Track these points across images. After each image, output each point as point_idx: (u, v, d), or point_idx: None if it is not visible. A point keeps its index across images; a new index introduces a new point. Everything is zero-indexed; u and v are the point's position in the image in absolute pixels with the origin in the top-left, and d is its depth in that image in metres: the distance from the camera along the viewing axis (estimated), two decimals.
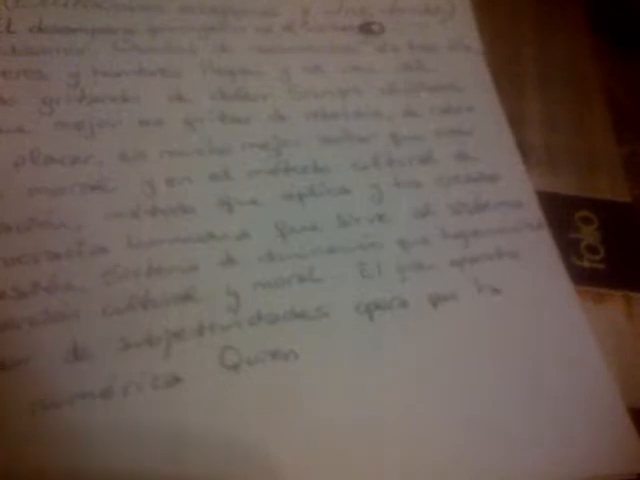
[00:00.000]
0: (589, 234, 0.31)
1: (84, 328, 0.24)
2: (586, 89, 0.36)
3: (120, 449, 0.23)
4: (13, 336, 0.23)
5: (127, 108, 0.29)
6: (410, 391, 0.25)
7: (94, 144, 0.28)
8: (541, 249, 0.30)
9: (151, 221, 0.26)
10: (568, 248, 0.30)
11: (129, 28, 0.31)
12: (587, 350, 0.27)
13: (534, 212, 0.30)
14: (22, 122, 0.27)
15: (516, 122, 0.33)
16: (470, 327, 0.27)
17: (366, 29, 0.34)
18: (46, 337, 0.23)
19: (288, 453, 0.23)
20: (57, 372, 0.23)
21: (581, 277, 0.30)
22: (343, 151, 0.30)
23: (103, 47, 0.30)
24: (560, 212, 0.31)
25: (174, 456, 0.23)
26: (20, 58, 0.29)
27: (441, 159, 0.31)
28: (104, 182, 0.27)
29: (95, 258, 0.25)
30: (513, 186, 0.31)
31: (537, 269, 0.29)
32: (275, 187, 0.29)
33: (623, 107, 0.36)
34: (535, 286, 0.28)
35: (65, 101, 0.28)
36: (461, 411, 0.25)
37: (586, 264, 0.30)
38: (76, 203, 0.26)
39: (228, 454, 0.23)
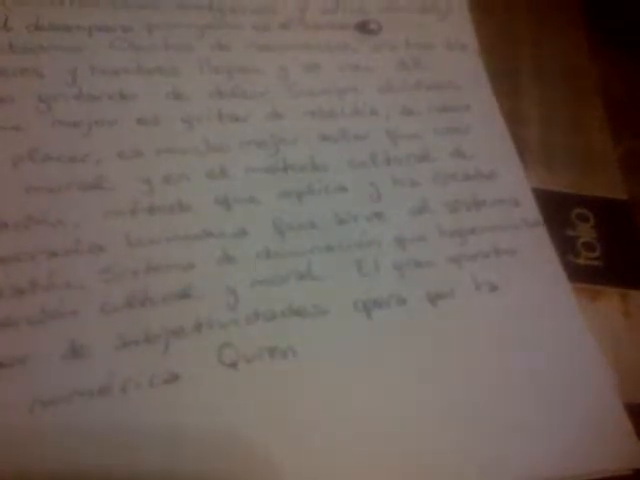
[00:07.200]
0: (585, 231, 0.31)
1: (82, 326, 0.24)
2: (583, 87, 0.36)
3: (118, 447, 0.23)
4: (11, 334, 0.23)
5: (125, 106, 0.29)
6: (409, 388, 0.25)
7: (92, 142, 0.27)
8: (538, 246, 0.30)
9: (149, 219, 0.26)
10: (564, 245, 0.30)
11: (126, 25, 0.31)
12: (584, 347, 0.28)
13: (531, 210, 0.31)
14: (19, 120, 0.27)
15: (513, 120, 0.33)
16: (468, 324, 0.27)
17: (363, 27, 0.34)
18: (44, 335, 0.23)
19: (287, 450, 0.23)
20: (55, 370, 0.23)
21: (577, 274, 0.30)
22: (341, 149, 0.30)
23: (100, 45, 0.30)
24: (556, 209, 0.31)
25: (172, 454, 0.23)
26: (17, 56, 0.29)
27: (438, 157, 0.31)
28: (102, 180, 0.27)
29: (93, 256, 0.25)
30: (510, 184, 0.31)
31: (534, 266, 0.29)
32: (273, 185, 0.29)
33: (620, 104, 0.36)
34: (532, 283, 0.29)
35: (62, 99, 0.28)
36: (459, 408, 0.25)
37: (582, 261, 0.30)
38: (74, 201, 0.26)
39: (227, 452, 0.23)
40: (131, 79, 0.29)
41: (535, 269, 0.29)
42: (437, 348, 0.26)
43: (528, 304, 0.28)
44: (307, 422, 0.24)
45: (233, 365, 0.24)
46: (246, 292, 0.26)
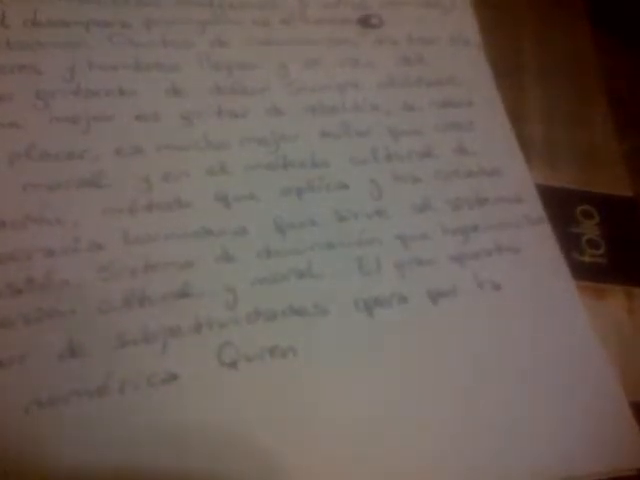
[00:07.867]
0: (590, 228, 0.31)
1: (80, 325, 0.24)
2: (586, 83, 0.36)
3: (116, 447, 0.22)
4: (8, 334, 0.23)
5: (123, 102, 0.28)
6: (410, 387, 0.25)
7: (90, 139, 0.27)
8: (542, 244, 0.29)
9: (147, 217, 0.26)
10: (569, 243, 0.30)
11: (125, 21, 0.30)
12: (588, 345, 0.27)
13: (535, 207, 0.30)
14: (17, 117, 0.27)
15: (516, 116, 0.33)
16: (470, 322, 0.27)
17: (365, 22, 0.34)
18: (41, 334, 0.23)
19: (287, 450, 0.23)
20: (53, 370, 0.23)
21: (582, 272, 0.29)
22: (341, 146, 0.30)
23: (99, 40, 0.30)
24: (561, 206, 0.31)
25: (171, 453, 0.23)
26: (15, 52, 0.28)
27: (440, 154, 0.31)
28: (100, 177, 0.26)
29: (91, 254, 0.25)
30: (513, 181, 0.31)
31: (538, 264, 0.29)
32: (273, 182, 0.28)
33: (624, 100, 0.36)
34: (536, 281, 0.28)
35: (60, 95, 0.28)
36: (461, 407, 0.25)
37: (587, 259, 0.30)
38: (72, 199, 0.26)
39: (226, 451, 0.23)
40: (130, 75, 0.29)
41: (539, 267, 0.29)
42: (438, 347, 0.26)
43: (531, 302, 0.28)
44: (307, 422, 0.24)
45: (233, 365, 0.24)
46: (246, 291, 0.26)
